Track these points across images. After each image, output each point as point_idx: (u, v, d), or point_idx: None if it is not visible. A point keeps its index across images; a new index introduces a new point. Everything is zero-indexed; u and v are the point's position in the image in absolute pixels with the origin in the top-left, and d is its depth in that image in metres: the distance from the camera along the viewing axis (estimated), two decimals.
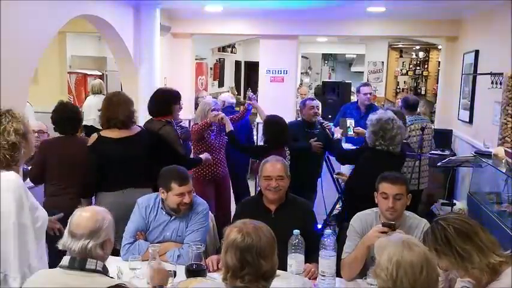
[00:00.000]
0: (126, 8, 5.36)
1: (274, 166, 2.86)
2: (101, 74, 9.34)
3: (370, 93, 5.49)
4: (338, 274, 2.51)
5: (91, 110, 7.36)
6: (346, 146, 4.95)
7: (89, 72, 9.10)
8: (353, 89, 8.13)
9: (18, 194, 2.13)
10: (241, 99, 12.11)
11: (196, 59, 8.38)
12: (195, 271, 2.42)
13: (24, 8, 3.59)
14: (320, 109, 4.83)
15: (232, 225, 1.80)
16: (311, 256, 2.53)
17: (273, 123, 4.20)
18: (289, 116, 5.03)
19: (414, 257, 1.60)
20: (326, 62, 14.99)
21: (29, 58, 3.77)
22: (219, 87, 11.76)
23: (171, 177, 2.75)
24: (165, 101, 3.93)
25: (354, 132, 4.70)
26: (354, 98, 7.04)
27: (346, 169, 4.82)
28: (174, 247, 2.71)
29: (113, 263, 2.15)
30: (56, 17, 4.06)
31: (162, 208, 2.82)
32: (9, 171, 2.19)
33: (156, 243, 2.68)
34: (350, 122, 4.73)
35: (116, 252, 2.58)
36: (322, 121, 4.61)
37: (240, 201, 3.45)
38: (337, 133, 4.32)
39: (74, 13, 4.33)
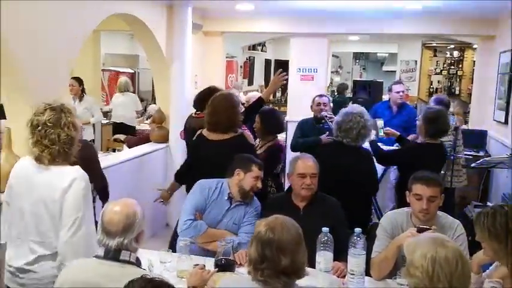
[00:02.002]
0: (159, 7, 5.43)
1: (306, 163, 2.86)
2: (133, 71, 9.52)
3: (403, 92, 5.41)
4: (367, 273, 2.49)
5: (118, 108, 7.51)
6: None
7: (121, 70, 9.29)
8: (385, 88, 8.03)
9: (87, 188, 2.26)
10: (271, 98, 12.12)
11: (226, 57, 8.43)
12: (224, 265, 2.45)
13: (61, 7, 3.68)
14: (328, 106, 4.80)
15: (264, 219, 1.83)
16: (340, 254, 2.52)
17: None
18: None
19: (449, 252, 1.60)
20: (357, 61, 14.85)
21: (66, 57, 3.86)
22: (248, 85, 11.81)
23: (252, 160, 2.93)
24: None
25: (383, 133, 4.64)
26: (385, 98, 6.95)
27: None
28: (230, 236, 2.78)
29: (144, 256, 2.20)
30: (92, 16, 4.15)
31: (228, 194, 2.90)
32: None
33: (213, 227, 2.84)
34: (380, 123, 4.67)
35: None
36: (326, 114, 4.57)
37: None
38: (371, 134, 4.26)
39: (108, 12, 4.41)
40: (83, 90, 6.25)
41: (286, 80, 4.40)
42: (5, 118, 3.60)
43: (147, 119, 7.71)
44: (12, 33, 3.19)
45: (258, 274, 1.75)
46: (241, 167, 2.91)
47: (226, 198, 2.93)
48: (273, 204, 2.97)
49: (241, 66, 11.10)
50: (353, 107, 3.63)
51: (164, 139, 5.64)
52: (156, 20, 5.39)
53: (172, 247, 2.86)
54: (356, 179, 3.31)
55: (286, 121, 7.45)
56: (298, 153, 3.11)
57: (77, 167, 2.32)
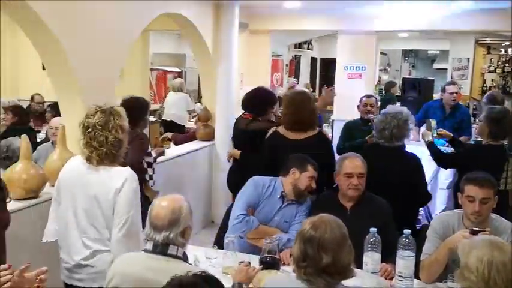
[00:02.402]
0: (206, 6, 5.50)
1: (354, 163, 2.81)
2: (180, 70, 9.69)
3: (456, 93, 5.20)
4: (416, 276, 2.42)
5: (171, 107, 7.67)
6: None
7: (168, 69, 9.47)
8: (436, 86, 7.77)
9: (137, 188, 2.36)
10: (316, 96, 12.02)
11: (272, 56, 8.43)
12: (269, 263, 2.44)
13: (113, 8, 3.78)
14: (376, 107, 4.64)
15: (310, 218, 1.83)
16: (388, 256, 2.46)
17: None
18: None
19: (506, 256, 1.52)
20: (406, 58, 14.49)
21: (117, 57, 3.97)
22: None
23: (308, 160, 2.92)
24: (265, 101, 4.04)
25: (437, 134, 4.46)
26: (436, 96, 6.73)
27: None
28: (279, 234, 2.79)
29: (191, 251, 2.23)
30: (142, 16, 4.24)
31: (281, 192, 2.91)
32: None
33: (263, 224, 2.86)
34: (434, 124, 4.50)
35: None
36: (372, 117, 4.39)
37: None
38: (427, 135, 4.11)
39: (158, 11, 4.50)
40: None
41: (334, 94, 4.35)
42: (59, 115, 3.76)
43: (193, 118, 7.84)
44: (66, 34, 3.31)
45: (302, 272, 1.75)
46: (297, 167, 2.90)
47: (278, 196, 2.93)
48: (320, 203, 2.93)
49: (286, 65, 11.06)
50: (391, 108, 3.52)
51: (210, 137, 5.70)
52: (204, 19, 5.46)
53: (218, 244, 2.88)
54: (395, 181, 3.16)
55: (332, 120, 7.39)
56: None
57: (127, 168, 2.41)
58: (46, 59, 3.50)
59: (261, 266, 2.40)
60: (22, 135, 3.05)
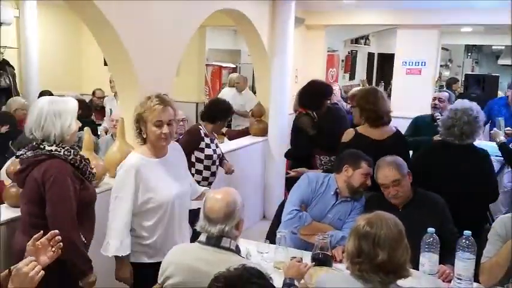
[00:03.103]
0: (262, 2, 5.50)
1: (384, 173, 2.70)
2: (234, 66, 9.77)
3: None
4: (476, 279, 2.31)
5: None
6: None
7: (223, 65, 9.57)
8: (501, 83, 7.38)
9: (127, 172, 2.39)
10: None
11: (328, 51, 8.32)
12: (321, 260, 2.42)
13: (171, 4, 3.86)
14: (446, 102, 4.35)
15: (365, 215, 1.81)
16: (444, 256, 2.37)
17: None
18: (425, 109, 4.72)
19: None
20: (469, 54, 13.85)
21: (174, 53, 4.05)
22: (349, 80, 11.55)
23: (361, 156, 2.85)
24: (319, 94, 3.99)
25: (505, 133, 4.21)
26: (501, 94, 6.40)
27: None
28: (333, 231, 2.76)
29: (243, 245, 2.24)
30: (199, 12, 4.31)
31: (335, 189, 2.87)
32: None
33: (316, 221, 2.84)
34: (502, 122, 4.25)
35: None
36: (437, 114, 4.16)
37: None
38: (498, 135, 3.89)
39: (215, 7, 4.56)
40: None
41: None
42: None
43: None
44: (127, 31, 3.42)
45: (356, 268, 1.73)
46: (350, 164, 2.84)
47: (332, 193, 2.89)
48: (371, 204, 2.85)
49: (342, 60, 10.87)
50: (460, 103, 3.33)
51: (263, 132, 5.71)
52: (260, 15, 5.47)
53: (270, 239, 2.88)
54: (467, 180, 3.02)
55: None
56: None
57: (132, 153, 2.54)
58: (108, 56, 3.63)
59: (313, 262, 2.39)
60: (85, 128, 3.17)
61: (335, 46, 9.69)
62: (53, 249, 1.81)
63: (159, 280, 2.06)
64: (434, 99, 4.37)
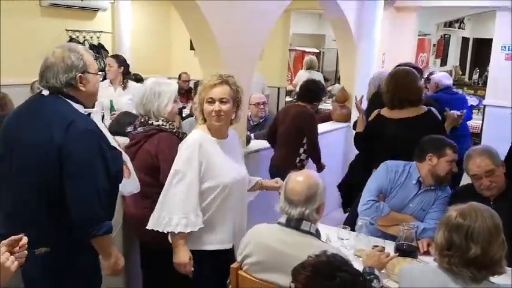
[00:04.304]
0: None
1: (476, 163, 2.49)
2: (318, 51, 9.63)
3: None
4: None
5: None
6: None
7: (307, 50, 9.46)
8: None
9: (191, 146, 2.26)
10: (466, 80, 11.05)
11: (418, 35, 7.92)
12: (405, 251, 2.31)
13: None
14: None
15: (457, 205, 1.69)
16: None
17: None
18: None
19: None
20: None
21: (259, 37, 4.02)
22: (441, 65, 10.93)
23: (446, 143, 2.67)
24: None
25: None
26: None
27: None
28: (414, 221, 2.63)
29: (323, 230, 2.19)
30: None
31: (418, 178, 2.72)
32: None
33: (396, 211, 2.71)
34: None
35: None
36: None
37: None
38: None
39: None
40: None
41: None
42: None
43: (329, 98, 7.74)
44: (215, 16, 3.44)
45: (445, 261, 1.64)
46: (434, 152, 2.65)
47: (414, 182, 2.73)
48: (459, 196, 2.66)
49: (434, 45, 10.30)
50: None
51: (346, 118, 5.57)
52: None
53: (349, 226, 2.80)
54: None
55: (484, 105, 6.72)
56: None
57: (194, 131, 2.45)
58: (196, 39, 3.70)
59: (396, 253, 2.29)
60: None
61: (427, 30, 9.20)
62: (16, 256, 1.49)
63: (238, 258, 2.08)
64: None
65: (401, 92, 3.05)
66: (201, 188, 2.27)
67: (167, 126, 2.54)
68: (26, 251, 1.49)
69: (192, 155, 2.24)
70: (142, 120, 2.58)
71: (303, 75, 7.77)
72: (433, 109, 3.12)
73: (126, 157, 2.18)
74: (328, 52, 9.79)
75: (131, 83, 4.69)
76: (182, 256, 2.25)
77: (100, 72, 2.09)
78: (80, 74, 1.92)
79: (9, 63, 5.84)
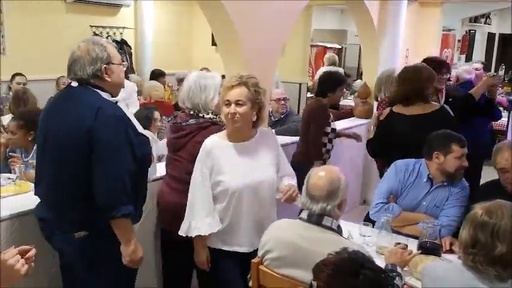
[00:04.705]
0: None
1: (504, 156, 2.45)
2: (340, 47, 9.55)
3: None
4: None
5: None
6: None
7: (328, 45, 9.40)
8: None
9: (202, 152, 2.33)
10: (490, 74, 10.82)
11: (443, 30, 7.79)
12: (428, 248, 2.28)
13: None
14: None
15: (483, 203, 1.67)
16: None
17: None
18: None
19: None
20: None
21: (281, 33, 3.99)
22: (466, 61, 10.72)
23: (452, 139, 2.60)
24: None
25: None
26: None
27: None
28: (428, 219, 2.57)
29: (344, 227, 2.18)
30: None
31: (428, 175, 2.68)
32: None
33: (410, 210, 2.68)
34: None
35: None
36: None
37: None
38: None
39: None
40: None
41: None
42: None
43: (350, 95, 7.68)
44: (236, 10, 3.44)
45: (469, 259, 1.62)
46: (439, 149, 2.59)
47: (425, 180, 2.68)
48: (484, 193, 2.61)
49: (459, 40, 10.12)
50: None
51: (368, 114, 5.50)
52: None
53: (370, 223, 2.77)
54: None
55: (510, 101, 6.57)
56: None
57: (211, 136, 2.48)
58: (218, 35, 3.70)
59: (419, 250, 2.26)
60: None
61: (451, 25, 9.05)
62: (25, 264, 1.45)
63: (259, 254, 2.08)
64: None
65: (409, 89, 3.08)
66: (214, 193, 2.33)
67: (218, 120, 2.56)
68: (32, 264, 1.47)
69: (201, 161, 2.33)
70: (192, 112, 2.59)
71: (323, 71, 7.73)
72: (445, 106, 3.12)
73: (152, 143, 2.25)
74: (350, 48, 9.70)
75: None
76: (200, 256, 2.38)
77: (124, 63, 2.18)
78: (104, 66, 2.03)
79: (35, 59, 5.96)
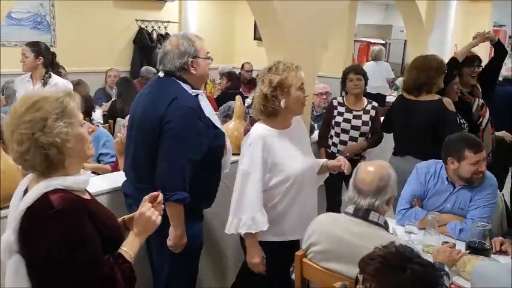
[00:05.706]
0: None
1: None
2: (384, 42, 9.34)
3: None
4: None
5: (373, 77, 7.43)
6: None
7: (372, 41, 9.22)
8: None
9: (254, 144, 2.22)
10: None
11: (494, 26, 7.50)
12: (477, 249, 2.21)
13: None
14: None
15: None
16: None
17: None
18: None
19: None
20: None
21: (324, 27, 3.95)
22: None
23: (465, 145, 2.52)
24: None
25: None
26: None
27: None
28: (455, 220, 2.53)
29: (390, 224, 2.13)
30: None
31: (447, 178, 2.62)
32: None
33: None
34: None
35: None
36: None
37: None
38: None
39: None
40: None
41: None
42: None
43: (394, 91, 7.53)
44: (283, 8, 3.43)
45: None
46: (453, 155, 2.51)
47: (447, 182, 2.61)
48: None
49: (510, 37, 9.70)
50: None
51: None
52: None
53: None
54: None
55: None
56: None
57: (257, 124, 2.38)
58: (264, 30, 3.70)
59: (468, 250, 2.20)
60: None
61: (503, 20, 8.69)
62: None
63: (303, 246, 2.08)
64: None
65: (415, 78, 3.29)
66: (270, 183, 2.24)
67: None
68: (163, 205, 1.69)
69: (255, 152, 2.21)
70: None
71: (369, 66, 7.58)
72: (444, 99, 3.25)
73: (226, 137, 2.34)
74: (394, 43, 9.49)
75: (55, 78, 3.77)
76: (255, 256, 2.25)
77: (209, 56, 2.28)
78: (191, 59, 2.15)
79: (85, 53, 6.15)
